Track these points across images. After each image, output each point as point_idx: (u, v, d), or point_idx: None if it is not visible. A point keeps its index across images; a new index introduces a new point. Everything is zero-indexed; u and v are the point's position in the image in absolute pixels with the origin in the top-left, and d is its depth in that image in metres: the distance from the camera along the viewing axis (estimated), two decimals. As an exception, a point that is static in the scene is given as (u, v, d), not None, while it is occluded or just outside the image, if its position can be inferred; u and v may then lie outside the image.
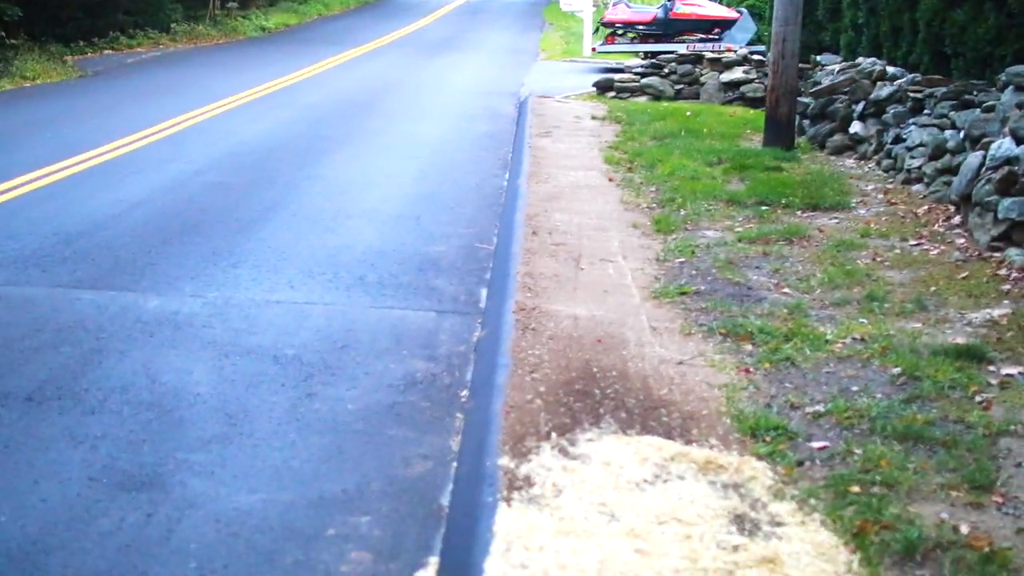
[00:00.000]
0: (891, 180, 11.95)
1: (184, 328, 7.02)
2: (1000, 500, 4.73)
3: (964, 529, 4.45)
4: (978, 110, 10.77)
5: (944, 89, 11.97)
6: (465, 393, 6.14)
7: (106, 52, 28.44)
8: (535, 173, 11.95)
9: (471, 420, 5.69)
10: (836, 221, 10.00)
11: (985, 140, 9.85)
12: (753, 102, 18.90)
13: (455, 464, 5.25)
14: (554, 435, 5.23)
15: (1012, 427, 5.46)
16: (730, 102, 19.48)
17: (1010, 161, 9.09)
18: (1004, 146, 9.34)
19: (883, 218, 10.08)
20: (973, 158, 9.81)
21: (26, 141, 14.15)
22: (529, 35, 37.47)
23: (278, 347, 6.71)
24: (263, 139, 14.79)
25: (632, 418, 5.47)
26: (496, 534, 4.33)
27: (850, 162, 13.34)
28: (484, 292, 8.04)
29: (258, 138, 14.84)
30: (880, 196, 11.13)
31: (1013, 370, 6.25)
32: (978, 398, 5.83)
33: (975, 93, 11.42)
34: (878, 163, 12.87)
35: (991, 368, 6.27)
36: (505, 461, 4.95)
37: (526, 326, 6.82)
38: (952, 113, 11.37)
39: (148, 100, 18.80)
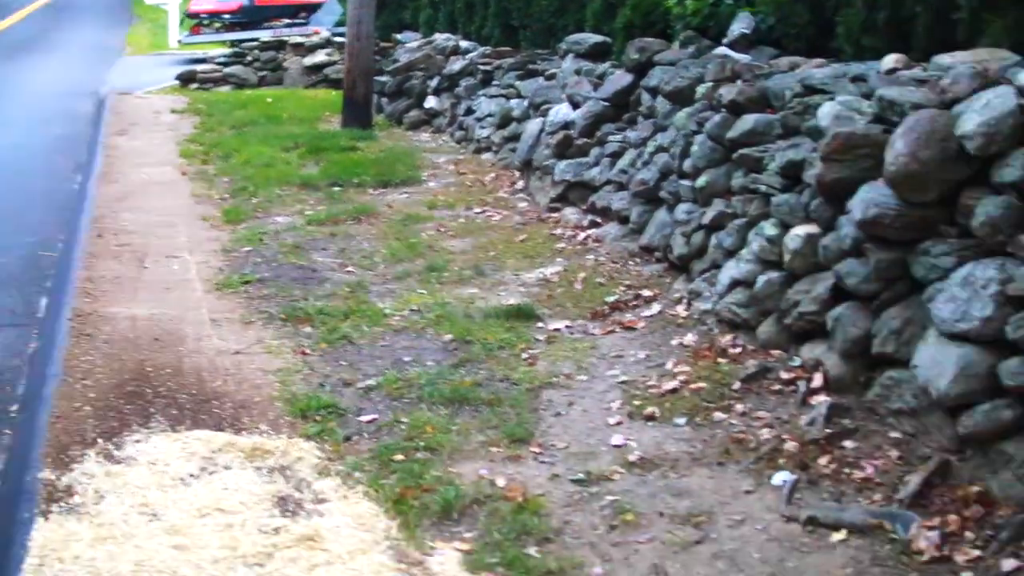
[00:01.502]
0: (463, 151, 12.31)
1: None
2: (538, 450, 4.98)
3: (501, 482, 4.66)
4: (541, 78, 11.23)
5: (511, 60, 12.43)
6: (16, 408, 5.89)
7: None
8: (107, 173, 11.57)
9: (19, 436, 5.47)
10: (406, 196, 10.19)
11: (547, 107, 10.28)
12: (337, 84, 18.72)
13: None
14: (100, 441, 5.09)
15: (554, 379, 5.76)
16: (314, 85, 19.48)
17: (567, 125, 9.54)
18: (561, 111, 9.80)
19: (452, 189, 10.36)
20: (533, 124, 10.25)
21: None
22: (115, 31, 36.07)
23: None
24: None
25: (183, 414, 5.40)
26: (30, 549, 4.19)
27: (426, 136, 13.64)
28: (45, 302, 7.71)
29: None
30: (451, 167, 11.43)
31: (560, 324, 6.58)
32: (525, 355, 6.10)
33: (539, 63, 11.90)
34: (451, 135, 13.23)
35: (540, 325, 6.58)
36: (46, 474, 4.78)
37: (81, 332, 6.61)
38: (518, 83, 11.79)
39: None
